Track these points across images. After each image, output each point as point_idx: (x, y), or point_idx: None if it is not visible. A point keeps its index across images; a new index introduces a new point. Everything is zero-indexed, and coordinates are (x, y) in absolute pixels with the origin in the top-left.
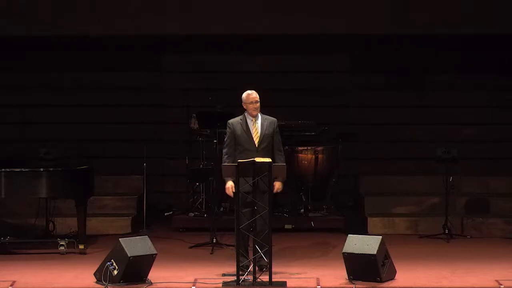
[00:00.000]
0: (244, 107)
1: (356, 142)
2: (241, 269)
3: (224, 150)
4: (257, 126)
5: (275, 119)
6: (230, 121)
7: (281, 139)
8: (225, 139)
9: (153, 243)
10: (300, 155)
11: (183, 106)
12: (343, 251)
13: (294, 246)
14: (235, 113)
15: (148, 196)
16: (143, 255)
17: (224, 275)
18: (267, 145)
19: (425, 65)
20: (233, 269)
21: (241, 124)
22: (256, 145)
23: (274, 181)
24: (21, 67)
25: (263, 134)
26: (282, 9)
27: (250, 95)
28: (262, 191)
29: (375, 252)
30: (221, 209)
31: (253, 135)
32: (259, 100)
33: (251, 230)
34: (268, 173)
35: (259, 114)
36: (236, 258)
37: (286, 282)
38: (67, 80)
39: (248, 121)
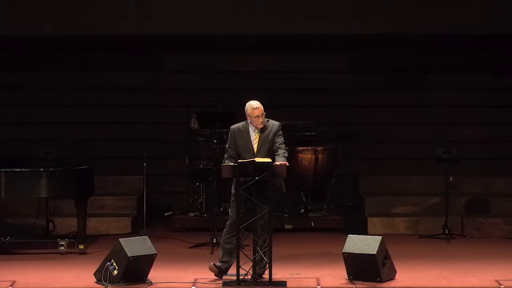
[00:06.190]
0: (248, 118)
1: (356, 142)
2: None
3: (226, 154)
4: (258, 134)
5: (278, 123)
6: (232, 127)
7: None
8: (226, 144)
9: (153, 243)
10: (300, 155)
11: (183, 106)
12: (343, 251)
13: (294, 246)
14: (235, 113)
15: (148, 196)
16: (143, 255)
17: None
18: (267, 152)
19: (425, 65)
20: (233, 269)
21: (242, 132)
22: (255, 152)
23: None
24: (21, 67)
25: (262, 141)
26: (282, 10)
27: (255, 110)
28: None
29: (375, 252)
30: (221, 209)
31: (253, 142)
32: (264, 112)
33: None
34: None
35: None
36: (237, 258)
37: (286, 282)
38: (67, 80)
39: (250, 129)
